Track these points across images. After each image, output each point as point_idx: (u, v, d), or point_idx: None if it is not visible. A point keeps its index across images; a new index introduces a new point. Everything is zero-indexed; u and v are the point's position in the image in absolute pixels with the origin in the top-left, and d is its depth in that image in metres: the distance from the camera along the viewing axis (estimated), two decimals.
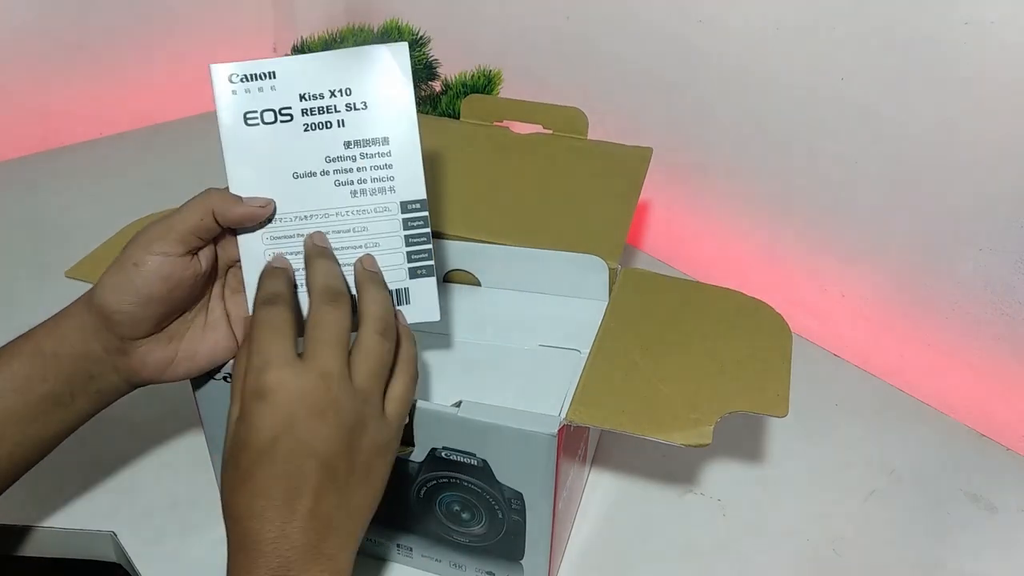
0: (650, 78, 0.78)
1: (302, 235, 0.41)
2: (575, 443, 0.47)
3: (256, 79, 0.40)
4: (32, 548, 0.53)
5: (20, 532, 0.52)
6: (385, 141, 0.40)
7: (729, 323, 0.47)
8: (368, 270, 0.40)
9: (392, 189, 0.41)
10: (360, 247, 0.41)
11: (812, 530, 0.54)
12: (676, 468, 0.59)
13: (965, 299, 0.63)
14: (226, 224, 0.40)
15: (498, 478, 0.42)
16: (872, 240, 0.68)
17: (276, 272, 0.39)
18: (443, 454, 0.42)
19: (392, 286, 0.42)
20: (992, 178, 0.58)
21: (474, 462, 0.42)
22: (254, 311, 0.38)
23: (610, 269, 0.51)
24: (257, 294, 0.38)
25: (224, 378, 0.44)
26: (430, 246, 0.42)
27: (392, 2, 1.01)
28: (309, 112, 0.40)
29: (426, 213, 0.41)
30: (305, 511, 0.34)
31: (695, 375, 0.43)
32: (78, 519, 0.52)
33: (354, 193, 0.41)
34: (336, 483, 0.35)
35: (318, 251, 0.40)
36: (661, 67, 0.77)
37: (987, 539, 0.54)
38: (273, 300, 0.37)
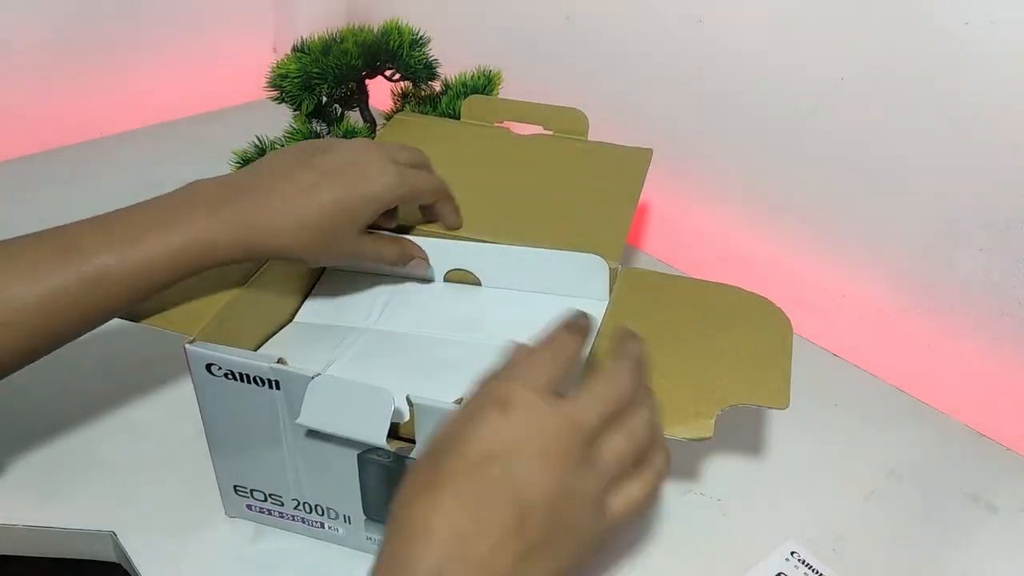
0: (650, 78, 0.78)
1: None
2: None
3: None
4: (32, 548, 0.53)
5: (20, 532, 0.52)
6: None
7: (729, 317, 0.47)
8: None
9: None
10: None
11: (812, 530, 0.54)
12: (675, 467, 0.58)
13: (965, 299, 0.63)
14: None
15: None
16: (872, 240, 0.68)
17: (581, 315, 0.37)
18: None
19: None
20: (992, 178, 0.58)
21: None
22: (558, 324, 0.35)
23: (610, 269, 0.51)
24: (568, 314, 0.36)
25: (224, 373, 0.44)
26: None
27: (392, 2, 1.01)
28: None
29: None
30: (474, 558, 0.29)
31: (696, 369, 0.43)
32: (78, 519, 0.52)
33: None
34: (518, 541, 0.30)
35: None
36: (661, 67, 0.77)
37: (987, 539, 0.54)
38: (578, 329, 0.35)
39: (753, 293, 0.49)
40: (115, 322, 0.46)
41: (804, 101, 0.67)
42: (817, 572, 0.50)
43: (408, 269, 0.53)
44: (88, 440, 0.58)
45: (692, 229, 0.81)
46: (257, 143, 0.69)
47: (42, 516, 0.52)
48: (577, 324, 0.35)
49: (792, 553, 0.51)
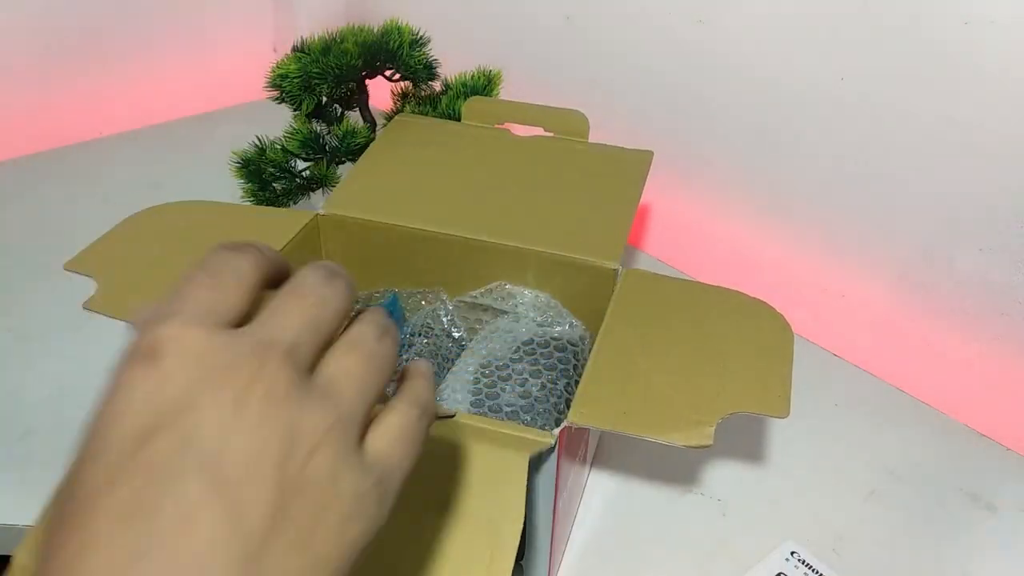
0: (651, 79, 0.78)
1: None
2: (576, 444, 0.47)
3: None
4: None
5: (20, 532, 0.52)
6: None
7: (730, 322, 0.47)
8: None
9: None
10: None
11: (812, 530, 0.54)
12: (676, 468, 0.59)
13: (965, 299, 0.63)
14: None
15: None
16: (872, 240, 0.68)
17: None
18: None
19: None
20: (992, 178, 0.58)
21: None
22: (218, 249, 0.24)
23: (611, 270, 0.51)
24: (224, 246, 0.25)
25: None
26: None
27: (392, 2, 1.01)
28: None
29: None
30: None
31: (697, 376, 0.43)
32: None
33: None
34: (240, 538, 0.19)
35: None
36: (662, 68, 0.77)
37: (987, 539, 0.54)
38: (239, 248, 0.24)
39: (755, 298, 0.49)
40: (116, 322, 0.46)
41: (804, 101, 0.67)
42: (817, 572, 0.50)
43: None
44: None
45: (692, 229, 0.81)
46: (257, 143, 0.69)
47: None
48: (241, 241, 0.25)
49: (792, 553, 0.51)
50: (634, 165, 0.59)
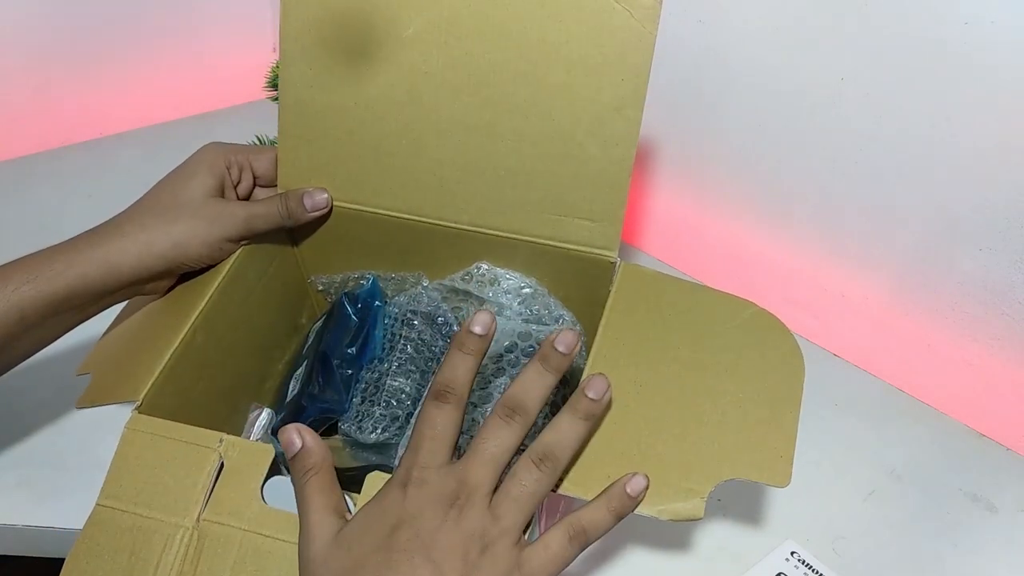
0: (651, 78, 0.78)
1: None
2: (555, 502, 0.45)
3: None
4: (32, 548, 0.53)
5: (20, 532, 0.52)
6: None
7: (735, 352, 0.43)
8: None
9: None
10: None
11: (812, 530, 0.54)
12: None
13: (965, 299, 0.63)
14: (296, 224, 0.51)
15: None
16: (872, 240, 0.68)
17: (468, 346, 0.38)
18: None
19: None
20: (992, 178, 0.58)
21: None
22: (424, 402, 0.37)
23: (609, 263, 0.48)
24: (436, 377, 0.38)
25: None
26: None
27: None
28: None
29: None
30: None
31: (693, 427, 0.40)
32: (78, 519, 0.52)
33: None
34: None
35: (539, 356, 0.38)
36: (661, 68, 0.77)
37: (987, 539, 0.54)
38: (445, 396, 0.37)
39: (766, 312, 0.45)
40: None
41: (804, 101, 0.67)
42: (817, 572, 0.50)
43: (311, 211, 0.51)
44: (88, 440, 0.58)
45: (692, 229, 0.81)
46: (257, 143, 0.69)
47: (42, 516, 0.52)
48: (445, 384, 0.37)
49: (792, 553, 0.51)
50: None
